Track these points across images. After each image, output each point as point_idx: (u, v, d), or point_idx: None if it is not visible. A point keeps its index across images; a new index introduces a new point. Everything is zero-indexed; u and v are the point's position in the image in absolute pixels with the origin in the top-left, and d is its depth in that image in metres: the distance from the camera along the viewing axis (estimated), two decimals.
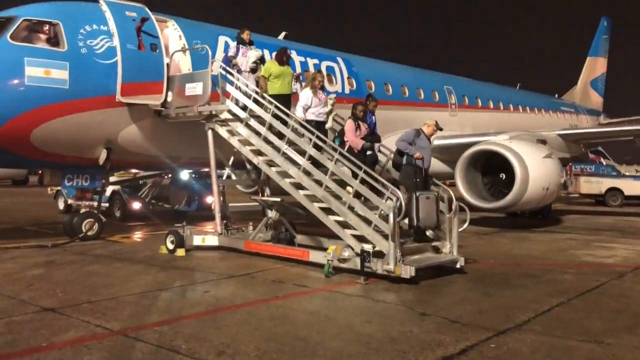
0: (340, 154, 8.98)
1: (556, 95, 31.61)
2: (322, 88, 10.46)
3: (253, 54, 11.38)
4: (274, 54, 11.92)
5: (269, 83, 10.63)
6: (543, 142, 15.72)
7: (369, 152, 9.58)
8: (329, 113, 10.56)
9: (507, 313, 6.20)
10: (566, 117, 28.60)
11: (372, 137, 9.85)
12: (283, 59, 10.89)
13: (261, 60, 11.45)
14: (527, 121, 23.89)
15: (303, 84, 11.19)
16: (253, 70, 11.31)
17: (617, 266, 9.28)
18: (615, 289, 7.57)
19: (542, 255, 10.47)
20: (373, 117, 10.60)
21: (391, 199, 8.00)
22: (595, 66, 35.38)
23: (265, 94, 10.28)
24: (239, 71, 11.09)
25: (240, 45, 11.39)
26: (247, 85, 10.46)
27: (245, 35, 11.49)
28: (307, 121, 9.89)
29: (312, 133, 9.36)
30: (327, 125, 10.45)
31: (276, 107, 9.83)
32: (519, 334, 5.45)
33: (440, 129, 9.62)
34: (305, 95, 10.23)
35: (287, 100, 10.53)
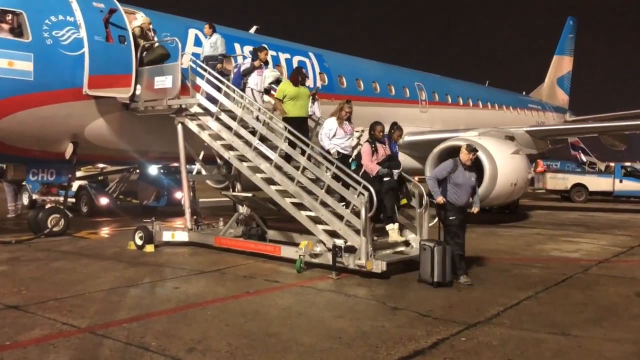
0: (312, 149, 8.94)
1: (524, 93, 32.18)
2: (349, 119, 9.34)
3: (270, 73, 10.82)
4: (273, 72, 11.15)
5: (284, 105, 9.84)
6: (511, 138, 15.94)
7: (386, 179, 8.53)
8: (354, 147, 9.58)
9: (477, 307, 6.29)
10: (533, 114, 29.12)
11: (390, 162, 8.80)
12: (298, 79, 9.98)
13: (277, 81, 10.74)
14: (496, 118, 24.22)
15: (317, 102, 10.50)
16: (267, 91, 10.75)
17: (582, 260, 9.49)
18: (580, 282, 7.75)
19: (510, 249, 10.64)
20: (396, 146, 9.74)
21: (363, 195, 8.00)
22: (562, 65, 36.10)
23: (274, 116, 9.77)
24: (250, 90, 10.61)
25: (255, 63, 10.79)
26: (217, 79, 10.33)
27: (263, 55, 10.83)
28: (330, 152, 9.11)
29: (285, 129, 9.31)
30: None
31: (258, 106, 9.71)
32: (488, 327, 5.53)
33: (475, 150, 7.99)
34: (329, 126, 9.23)
35: (303, 123, 9.87)
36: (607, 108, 40.49)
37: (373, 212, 7.95)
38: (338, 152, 9.07)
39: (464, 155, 7.83)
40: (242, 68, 10.90)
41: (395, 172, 8.64)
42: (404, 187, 8.97)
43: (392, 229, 8.45)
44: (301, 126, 9.62)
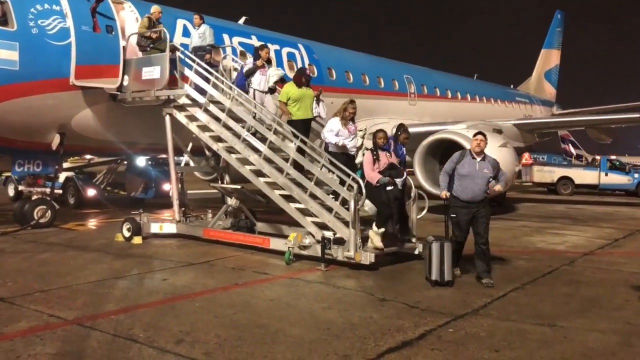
0: (302, 141, 8.92)
1: (512, 86, 32.33)
2: (353, 119, 9.14)
3: (274, 72, 10.50)
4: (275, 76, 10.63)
5: (288, 108, 9.59)
6: (499, 131, 16.01)
7: (389, 188, 7.92)
8: (359, 148, 9.27)
9: (464, 298, 6.34)
10: (521, 107, 29.28)
11: (391, 171, 8.15)
12: (302, 80, 9.66)
13: (282, 80, 10.50)
14: (484, 111, 24.34)
15: (323, 103, 10.25)
16: (272, 91, 10.45)
17: (568, 252, 9.59)
18: (566, 274, 7.83)
19: (497, 242, 10.66)
20: (403, 148, 9.25)
21: (352, 187, 8.02)
22: (549, 58, 36.31)
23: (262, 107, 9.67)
24: (254, 90, 10.34)
25: (257, 63, 10.45)
26: (206, 70, 10.25)
27: (264, 54, 10.54)
28: (332, 153, 8.86)
29: (274, 120, 9.29)
30: (358, 160, 9.10)
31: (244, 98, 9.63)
32: (475, 318, 5.58)
33: (482, 134, 7.29)
34: (332, 126, 8.99)
35: (308, 124, 9.63)
36: (594, 102, 40.86)
37: (361, 203, 7.94)
38: (340, 153, 8.84)
39: (472, 142, 7.31)
40: (245, 69, 10.61)
41: (398, 181, 8.07)
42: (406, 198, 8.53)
43: (375, 232, 7.94)
44: (306, 128, 9.35)
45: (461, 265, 7.55)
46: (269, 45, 14.45)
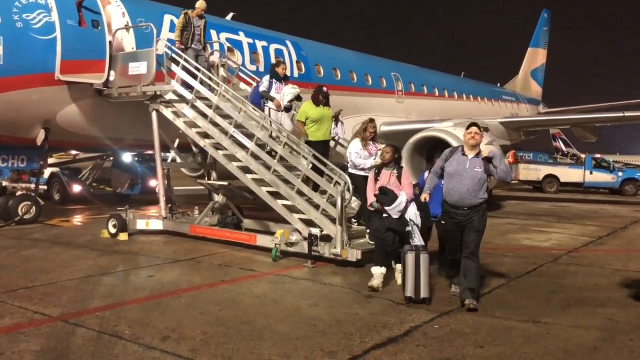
0: (289, 138, 8.92)
1: (498, 84, 32.51)
2: (374, 139, 8.52)
3: (289, 91, 10.03)
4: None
5: (307, 128, 9.21)
6: (485, 129, 16.07)
7: (385, 215, 6.73)
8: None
9: (450, 295, 6.37)
10: (507, 105, 29.45)
11: (381, 196, 6.76)
12: (319, 98, 9.25)
13: (297, 98, 10.13)
14: (471, 109, 24.44)
15: (342, 124, 9.94)
16: (287, 109, 10.05)
17: (553, 250, 9.70)
18: (550, 271, 7.92)
19: (483, 239, 10.70)
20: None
21: (339, 184, 8.03)
22: (536, 57, 36.52)
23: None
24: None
25: (274, 80, 10.12)
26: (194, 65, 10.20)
27: (281, 70, 10.28)
28: (352, 174, 8.35)
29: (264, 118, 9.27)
30: None
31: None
32: (461, 315, 5.62)
33: (476, 126, 6.23)
34: (356, 148, 8.37)
35: (325, 146, 9.30)
36: (579, 100, 41.22)
37: (348, 200, 7.93)
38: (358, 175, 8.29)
39: (465, 135, 6.21)
40: (260, 88, 10.28)
41: (389, 208, 6.67)
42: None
43: (373, 272, 6.76)
44: (324, 149, 8.99)
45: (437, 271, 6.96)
46: (256, 41, 14.48)
